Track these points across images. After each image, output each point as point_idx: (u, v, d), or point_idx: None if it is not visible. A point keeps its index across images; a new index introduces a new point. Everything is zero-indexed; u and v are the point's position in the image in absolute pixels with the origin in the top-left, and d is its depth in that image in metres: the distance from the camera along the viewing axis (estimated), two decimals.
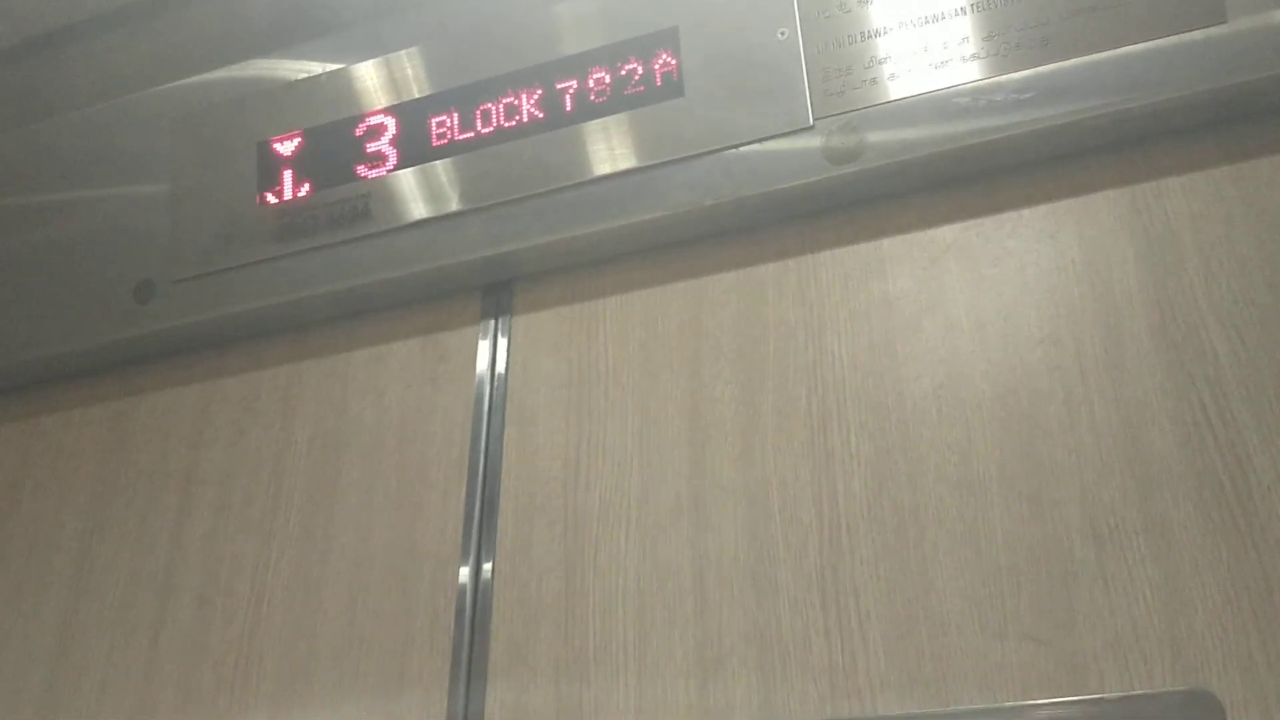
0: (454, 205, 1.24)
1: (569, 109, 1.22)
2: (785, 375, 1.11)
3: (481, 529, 1.16)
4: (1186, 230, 1.03)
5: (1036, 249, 1.07)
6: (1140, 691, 0.88)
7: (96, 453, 1.37)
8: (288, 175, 1.32)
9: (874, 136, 1.10)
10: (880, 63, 1.11)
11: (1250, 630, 0.88)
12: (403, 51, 1.31)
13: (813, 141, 1.12)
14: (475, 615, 1.12)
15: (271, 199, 1.32)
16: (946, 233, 1.11)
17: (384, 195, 1.27)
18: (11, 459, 1.41)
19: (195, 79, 1.42)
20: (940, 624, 0.96)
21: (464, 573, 1.14)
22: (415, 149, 1.27)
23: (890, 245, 1.12)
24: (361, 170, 1.29)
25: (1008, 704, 0.91)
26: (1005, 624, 0.94)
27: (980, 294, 1.07)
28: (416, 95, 1.29)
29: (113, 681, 1.22)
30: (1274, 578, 0.88)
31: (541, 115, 1.23)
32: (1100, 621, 0.91)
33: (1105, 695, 0.89)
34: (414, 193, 1.26)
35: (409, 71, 1.30)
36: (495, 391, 1.23)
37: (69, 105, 1.48)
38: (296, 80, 1.36)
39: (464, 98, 1.26)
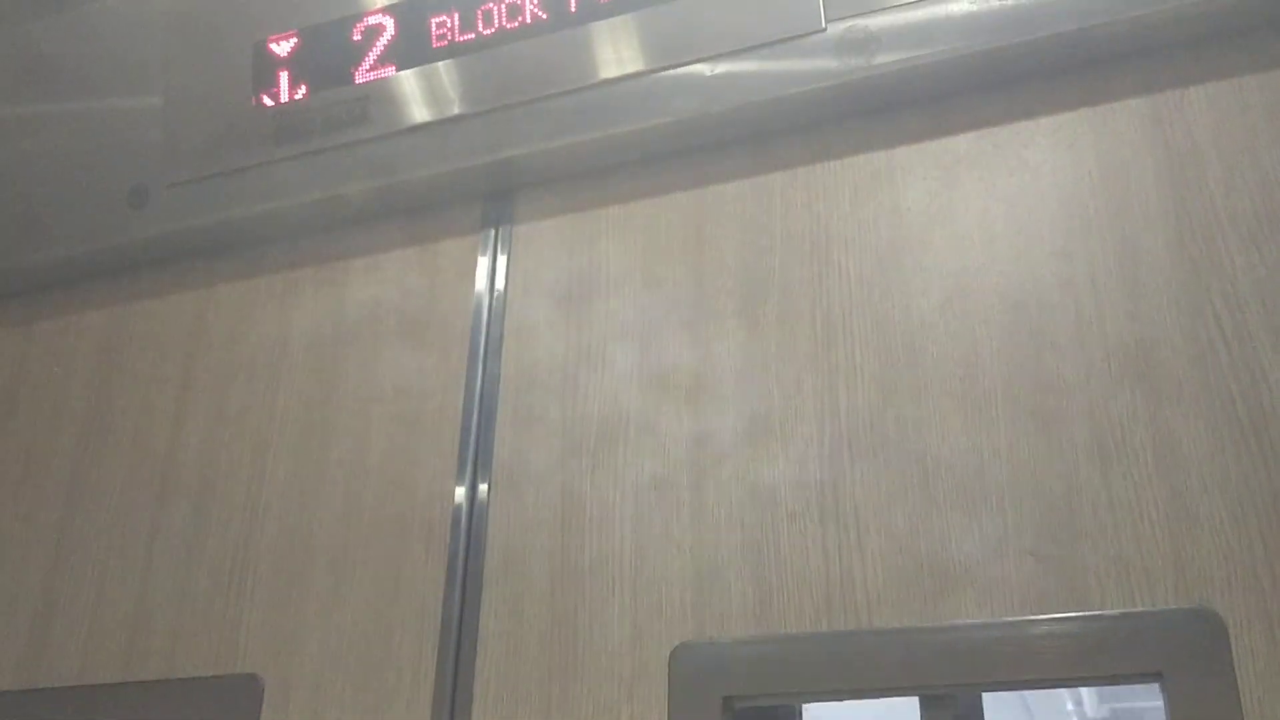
0: (454, 109, 1.21)
1: (573, 9, 1.18)
2: (790, 288, 1.08)
3: (479, 439, 1.14)
4: (1209, 142, 0.99)
5: (1053, 159, 1.04)
6: (1142, 609, 0.87)
7: (92, 358, 1.35)
8: (284, 77, 1.28)
9: (887, 40, 1.06)
10: None
11: (1257, 549, 0.86)
12: None
13: (824, 45, 1.08)
14: (471, 526, 1.11)
15: (267, 101, 1.29)
16: (960, 142, 1.07)
17: (382, 98, 1.24)
18: (8, 365, 1.39)
19: None
20: (940, 539, 0.94)
21: (460, 486, 1.12)
22: (415, 50, 1.23)
23: (902, 154, 1.09)
24: (359, 72, 1.25)
25: (1006, 618, 0.90)
26: (1005, 540, 0.92)
27: (993, 205, 1.04)
28: None
29: (109, 586, 1.22)
30: None
31: (545, 16, 1.19)
32: (1103, 538, 0.90)
33: (1106, 611, 0.88)
34: (413, 96, 1.23)
35: None
36: (494, 303, 1.21)
37: (61, 6, 1.44)
38: None
39: None
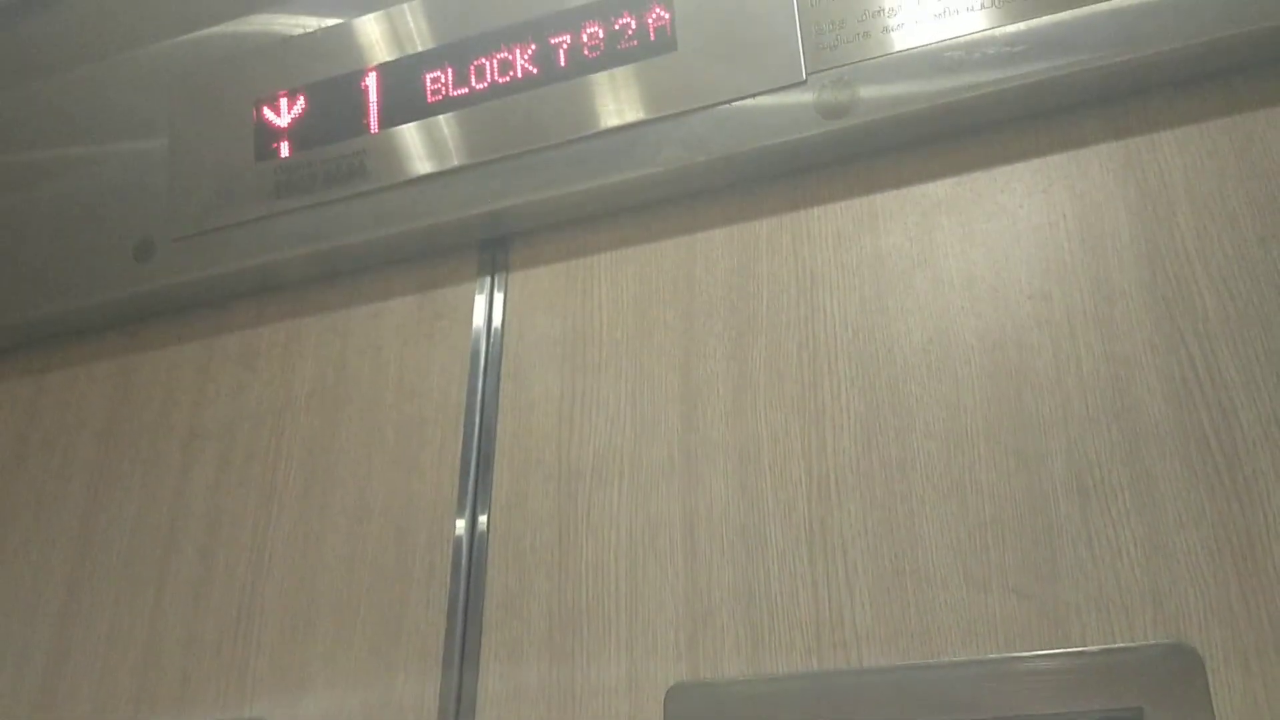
0: (450, 162, 1.24)
1: (563, 64, 1.21)
2: (777, 331, 1.11)
3: (477, 483, 1.17)
4: (1180, 184, 1.02)
5: (1028, 204, 1.07)
6: (1121, 644, 0.89)
7: (101, 409, 1.38)
8: (284, 132, 1.32)
9: (867, 91, 1.09)
10: (873, 16, 1.10)
11: (1231, 584, 0.88)
12: (404, 5, 1.31)
13: (805, 96, 1.11)
14: (471, 568, 1.13)
15: (269, 156, 1.32)
16: (939, 188, 1.11)
17: (380, 152, 1.28)
18: (18, 416, 1.43)
19: (193, 36, 1.42)
20: (926, 577, 0.97)
21: (460, 526, 1.15)
22: (410, 105, 1.27)
23: (883, 200, 1.12)
24: (357, 127, 1.29)
25: (990, 656, 0.92)
26: (989, 577, 0.95)
27: (971, 249, 1.07)
28: (412, 51, 1.29)
29: (118, 632, 1.24)
30: (1256, 533, 0.89)
31: (535, 70, 1.22)
32: (1083, 575, 0.92)
33: (1086, 648, 0.90)
34: (410, 149, 1.26)
35: (405, 27, 1.30)
36: (491, 347, 1.24)
37: (68, 63, 1.48)
38: (293, 36, 1.36)
39: (458, 53, 1.26)
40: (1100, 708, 0.87)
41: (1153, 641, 0.88)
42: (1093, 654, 0.89)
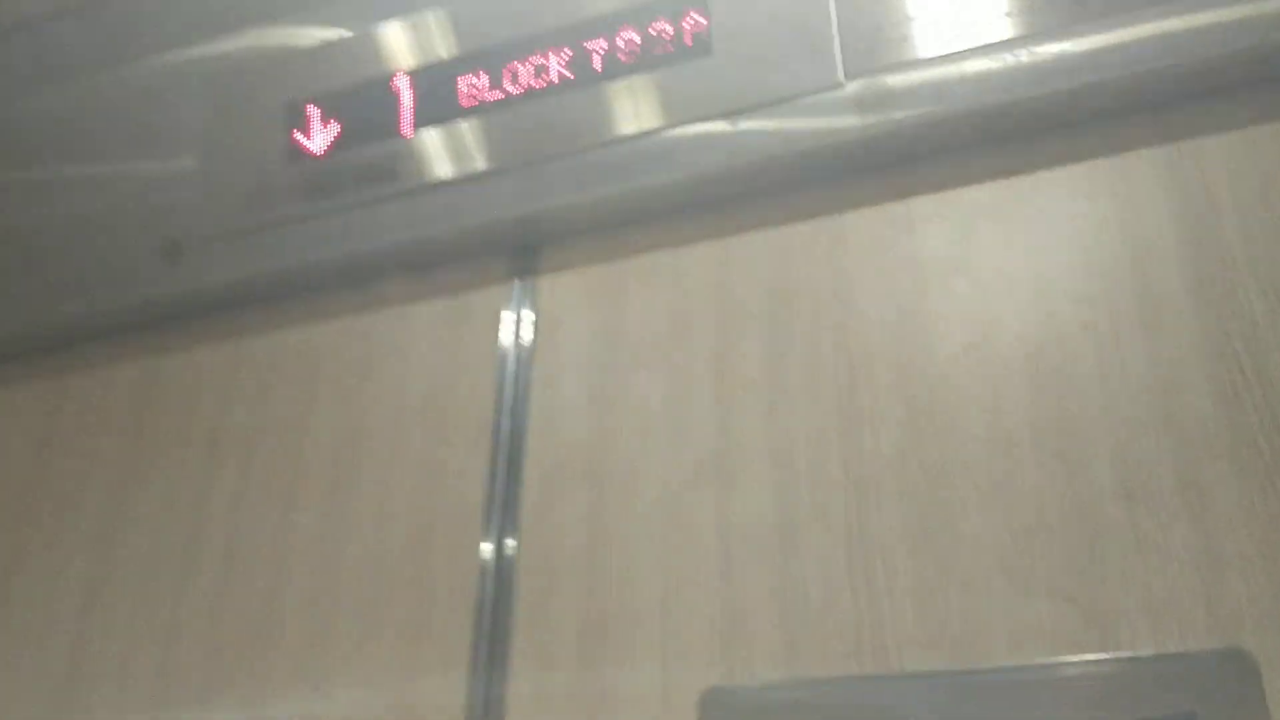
0: (481, 165, 1.24)
1: (598, 69, 1.21)
2: (813, 335, 1.10)
3: (506, 492, 1.15)
4: (1223, 189, 1.01)
5: (1071, 209, 1.06)
6: (1173, 650, 0.87)
7: (124, 411, 1.37)
8: (315, 135, 1.32)
9: (905, 95, 1.09)
10: (911, 20, 1.10)
11: None
12: (430, 12, 1.31)
13: (843, 100, 1.11)
14: (499, 577, 1.11)
15: (299, 159, 1.32)
16: (978, 193, 1.10)
17: (411, 155, 1.27)
18: (41, 416, 1.41)
19: (226, 41, 1.43)
20: (968, 582, 0.95)
21: (487, 534, 1.13)
22: (443, 109, 1.27)
23: (920, 205, 1.11)
24: (389, 130, 1.28)
25: (1037, 661, 0.90)
26: (1034, 582, 0.93)
27: (1012, 253, 1.06)
28: (445, 56, 1.29)
29: (137, 640, 1.22)
30: None
31: (571, 75, 1.22)
32: (1132, 580, 0.90)
33: (1138, 654, 0.87)
34: (441, 153, 1.26)
35: (437, 32, 1.30)
36: (520, 354, 1.22)
37: (102, 67, 1.48)
38: (326, 41, 1.36)
39: (492, 58, 1.26)
40: (1152, 714, 0.85)
41: (1206, 647, 0.86)
42: (1144, 659, 0.87)
